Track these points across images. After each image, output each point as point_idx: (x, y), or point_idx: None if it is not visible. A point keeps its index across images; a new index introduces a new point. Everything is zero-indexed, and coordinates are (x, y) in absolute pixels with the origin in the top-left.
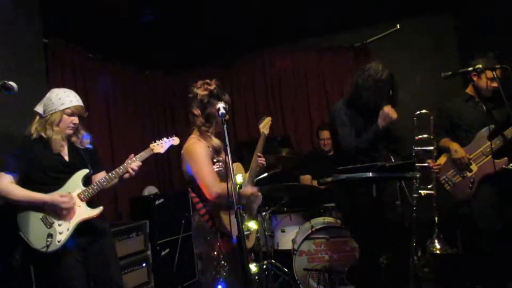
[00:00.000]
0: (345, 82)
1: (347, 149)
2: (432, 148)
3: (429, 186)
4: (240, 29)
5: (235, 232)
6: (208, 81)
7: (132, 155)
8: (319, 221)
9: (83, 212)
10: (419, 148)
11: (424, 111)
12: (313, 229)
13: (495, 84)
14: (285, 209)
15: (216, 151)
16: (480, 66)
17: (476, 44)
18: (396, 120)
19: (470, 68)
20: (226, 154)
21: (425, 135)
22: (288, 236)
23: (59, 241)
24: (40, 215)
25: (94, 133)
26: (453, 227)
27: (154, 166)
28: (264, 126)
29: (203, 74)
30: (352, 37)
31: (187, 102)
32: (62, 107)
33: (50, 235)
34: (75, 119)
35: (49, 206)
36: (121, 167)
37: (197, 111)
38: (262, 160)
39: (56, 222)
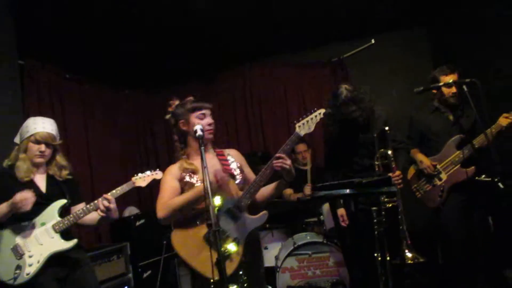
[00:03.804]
0: (323, 96)
1: None
2: (391, 160)
3: (394, 198)
4: (219, 46)
5: (191, 262)
6: (170, 102)
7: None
8: (301, 237)
9: (55, 244)
10: (379, 162)
11: (386, 128)
12: (296, 245)
13: (453, 90)
14: (267, 225)
15: (192, 171)
16: (450, 80)
17: (449, 57)
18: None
19: (441, 83)
20: (204, 175)
21: (384, 150)
22: (271, 253)
23: (27, 274)
24: (11, 245)
25: (72, 154)
26: (432, 236)
27: None
28: (305, 124)
29: (182, 92)
30: (329, 52)
31: (167, 121)
32: (27, 135)
33: (18, 267)
34: (41, 147)
35: (16, 207)
36: (99, 199)
37: (175, 136)
38: (278, 163)
39: (27, 254)
